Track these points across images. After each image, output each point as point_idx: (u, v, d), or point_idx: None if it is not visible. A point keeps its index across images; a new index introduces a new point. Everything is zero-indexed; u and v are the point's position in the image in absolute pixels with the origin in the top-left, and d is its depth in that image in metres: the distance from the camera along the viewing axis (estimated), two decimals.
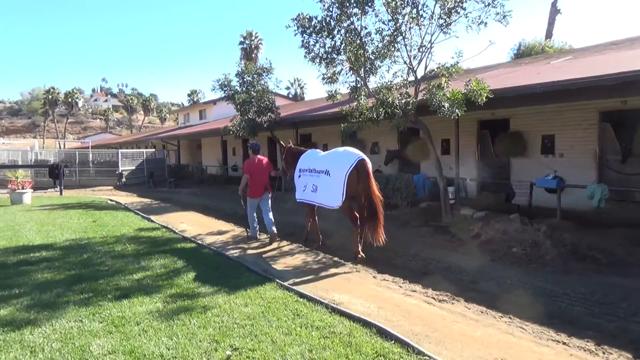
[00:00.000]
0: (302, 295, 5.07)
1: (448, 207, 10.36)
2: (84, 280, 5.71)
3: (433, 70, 9.72)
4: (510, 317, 4.53)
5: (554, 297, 5.14)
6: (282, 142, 10.28)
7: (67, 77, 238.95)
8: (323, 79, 10.99)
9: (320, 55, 10.30)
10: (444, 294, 5.21)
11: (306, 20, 9.87)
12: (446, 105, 8.66)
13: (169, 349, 3.78)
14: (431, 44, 9.55)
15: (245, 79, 16.01)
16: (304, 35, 9.99)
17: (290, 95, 58.49)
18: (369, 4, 9.46)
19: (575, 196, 9.79)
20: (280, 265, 6.67)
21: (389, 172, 14.28)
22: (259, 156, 8.78)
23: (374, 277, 6.01)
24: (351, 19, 9.75)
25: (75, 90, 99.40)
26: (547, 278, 5.80)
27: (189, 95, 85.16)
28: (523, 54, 25.51)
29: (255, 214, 8.69)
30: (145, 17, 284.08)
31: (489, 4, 8.50)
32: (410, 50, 9.73)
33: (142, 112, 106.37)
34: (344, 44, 10.06)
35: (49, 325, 4.25)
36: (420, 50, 9.70)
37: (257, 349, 3.77)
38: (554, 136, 11.12)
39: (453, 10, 8.75)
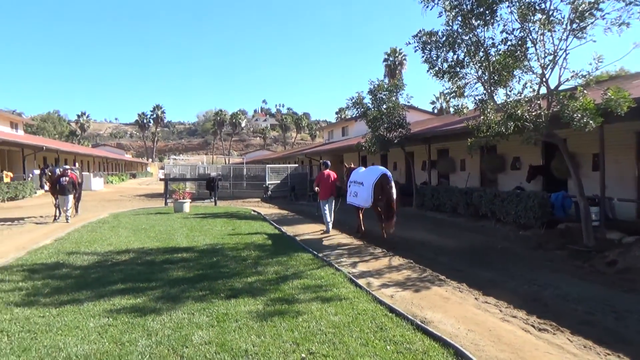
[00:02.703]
0: (392, 310, 5.12)
1: (590, 230, 9.27)
2: (206, 279, 6.52)
3: (567, 79, 8.87)
4: (619, 356, 4.00)
5: None
6: (346, 165, 13.17)
7: (235, 100, 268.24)
8: (449, 93, 10.78)
9: (444, 69, 10.15)
10: (548, 323, 4.79)
11: (426, 36, 9.85)
12: (578, 116, 7.86)
13: (254, 346, 4.18)
14: (565, 51, 8.76)
15: (377, 96, 16.35)
16: (425, 51, 9.97)
17: (436, 110, 57.46)
18: (492, 14, 9.08)
19: None
20: (384, 279, 6.75)
21: (531, 190, 13.22)
22: (327, 171, 11.93)
23: (475, 298, 5.75)
24: (474, 32, 9.46)
25: (239, 112, 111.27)
26: None
27: (336, 112, 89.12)
28: None
29: (327, 211, 11.66)
30: (302, 43, 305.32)
31: (630, 3, 7.52)
32: (541, 59, 9.05)
33: (294, 130, 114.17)
34: (467, 57, 9.79)
35: (167, 315, 5.00)
36: (553, 58, 8.96)
37: (330, 356, 3.97)
38: None
39: (587, 13, 7.93)
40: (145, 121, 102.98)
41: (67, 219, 13.74)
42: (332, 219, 11.84)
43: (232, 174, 26.20)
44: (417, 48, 10.03)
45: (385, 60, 56.90)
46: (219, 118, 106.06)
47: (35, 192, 24.73)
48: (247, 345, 4.20)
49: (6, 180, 23.58)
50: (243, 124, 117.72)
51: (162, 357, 3.98)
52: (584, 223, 9.28)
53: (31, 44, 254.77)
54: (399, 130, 16.13)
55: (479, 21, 9.38)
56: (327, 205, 11.74)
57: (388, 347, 4.14)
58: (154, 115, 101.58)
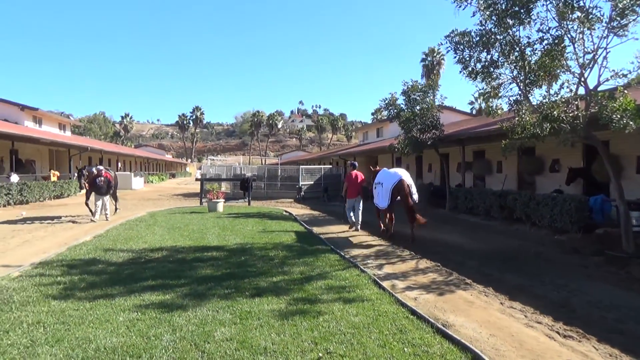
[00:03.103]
0: (413, 313, 5.10)
1: (630, 235, 8.93)
2: (233, 278, 6.67)
3: (607, 79, 8.55)
4: None
5: None
6: (371, 167, 13.57)
7: (273, 101, 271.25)
8: (483, 94, 10.60)
9: (477, 70, 9.99)
10: (574, 330, 4.66)
11: (459, 36, 9.72)
12: (617, 117, 7.58)
13: (273, 344, 4.26)
14: (606, 50, 8.46)
15: (411, 97, 16.22)
16: (457, 51, 9.84)
17: (474, 111, 56.36)
18: (528, 13, 8.88)
19: None
20: (409, 281, 6.72)
21: (568, 193, 12.80)
22: (355, 171, 12.34)
23: (501, 303, 5.65)
24: (509, 31, 9.26)
25: (275, 113, 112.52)
26: None
27: (372, 113, 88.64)
28: None
29: (352, 211, 12.29)
30: (340, 43, 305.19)
31: None
32: (579, 58, 8.78)
33: (330, 131, 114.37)
34: (501, 57, 9.60)
35: (193, 311, 5.15)
36: (593, 57, 8.66)
37: (347, 356, 4.01)
38: None
39: (628, 10, 7.63)
40: (185, 122, 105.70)
41: (106, 217, 14.22)
42: (360, 219, 12.27)
43: (266, 175, 26.56)
44: (449, 49, 9.92)
45: (422, 60, 56.32)
46: (255, 119, 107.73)
47: (80, 191, 25.80)
48: (267, 342, 4.29)
49: (53, 179, 24.75)
50: (280, 125, 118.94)
51: (184, 351, 4.12)
52: (624, 228, 8.95)
53: (85, 50, 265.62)
54: (432, 131, 15.97)
55: (514, 20, 9.20)
56: (354, 205, 12.26)
57: (406, 349, 4.14)
58: (194, 117, 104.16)
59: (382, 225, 11.77)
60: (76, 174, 15.16)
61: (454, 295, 6.03)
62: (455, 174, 20.62)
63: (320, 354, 4.05)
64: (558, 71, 9.30)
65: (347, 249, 9.32)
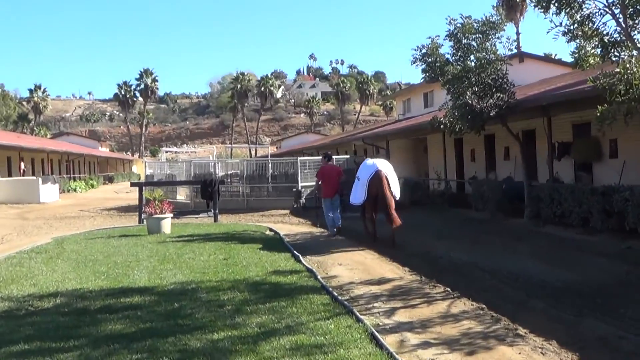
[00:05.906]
0: None
1: None
2: (151, 336, 6.78)
3: None
4: None
5: None
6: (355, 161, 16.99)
7: (270, 58, 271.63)
8: (567, 31, 10.58)
9: None
10: None
11: None
12: None
13: None
14: None
15: (462, 43, 16.15)
16: None
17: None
18: None
19: None
20: (428, 334, 6.77)
21: None
22: (329, 165, 15.94)
23: None
24: None
25: (271, 76, 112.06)
26: None
27: (422, 70, 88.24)
28: None
29: (331, 214, 15.66)
30: None
31: None
32: None
33: (358, 100, 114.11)
34: None
35: None
36: None
37: None
38: None
39: None
40: (128, 95, 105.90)
41: None
42: (340, 223, 15.94)
43: (245, 173, 26.52)
44: None
45: None
46: (240, 86, 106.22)
47: None
48: None
49: None
50: (279, 94, 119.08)
51: None
52: None
53: None
54: (497, 95, 15.84)
55: None
56: (331, 205, 15.70)
57: None
58: (142, 86, 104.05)
59: (366, 229, 14.97)
60: None
61: (490, 354, 6.05)
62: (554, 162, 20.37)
63: None
64: None
65: (350, 286, 9.43)
